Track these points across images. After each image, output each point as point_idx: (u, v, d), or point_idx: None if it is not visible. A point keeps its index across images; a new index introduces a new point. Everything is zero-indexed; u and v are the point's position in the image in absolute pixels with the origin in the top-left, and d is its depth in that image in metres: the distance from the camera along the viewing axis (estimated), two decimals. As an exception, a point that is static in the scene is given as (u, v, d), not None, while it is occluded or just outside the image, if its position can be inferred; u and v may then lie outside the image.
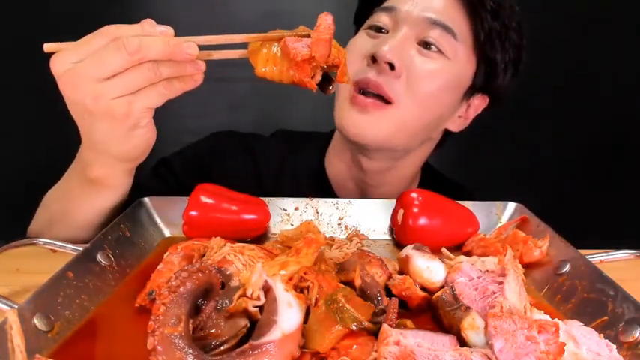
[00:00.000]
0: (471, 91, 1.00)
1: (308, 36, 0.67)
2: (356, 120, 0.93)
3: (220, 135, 1.17)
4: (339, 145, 1.09)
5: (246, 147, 1.15)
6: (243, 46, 0.69)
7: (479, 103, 1.04)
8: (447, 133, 1.08)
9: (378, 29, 0.96)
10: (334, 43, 0.68)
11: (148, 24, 0.64)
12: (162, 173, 1.08)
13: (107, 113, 0.64)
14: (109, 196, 0.79)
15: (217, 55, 0.68)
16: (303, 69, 0.67)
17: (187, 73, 0.65)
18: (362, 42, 0.96)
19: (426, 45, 0.92)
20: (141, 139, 0.70)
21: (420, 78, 0.91)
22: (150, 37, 0.62)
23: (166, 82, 0.64)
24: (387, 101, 0.91)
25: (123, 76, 0.62)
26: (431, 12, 0.91)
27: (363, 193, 1.09)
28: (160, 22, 0.67)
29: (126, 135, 0.67)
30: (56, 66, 0.63)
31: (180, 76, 0.65)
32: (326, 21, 0.67)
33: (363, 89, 0.92)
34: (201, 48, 0.64)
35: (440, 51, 0.92)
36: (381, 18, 0.95)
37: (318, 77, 0.70)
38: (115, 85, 0.62)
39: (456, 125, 1.05)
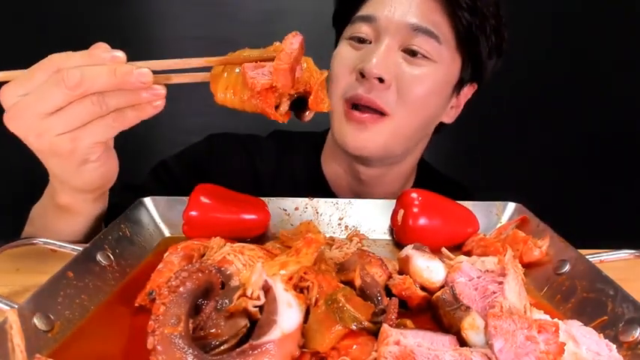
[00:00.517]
0: (460, 85, 1.02)
1: (271, 59, 0.59)
2: (356, 136, 0.95)
3: (217, 136, 1.17)
4: (334, 149, 1.10)
5: (244, 148, 1.16)
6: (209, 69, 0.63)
7: (468, 90, 1.06)
8: (440, 124, 1.10)
9: (361, 40, 0.96)
10: (308, 66, 0.63)
11: (99, 49, 0.59)
12: (160, 175, 1.09)
13: (51, 150, 0.61)
14: (78, 220, 0.77)
15: (177, 78, 0.63)
16: (267, 98, 0.60)
17: (143, 101, 0.60)
18: (347, 54, 0.97)
19: (411, 53, 0.93)
20: (94, 173, 0.67)
21: (410, 86, 0.93)
22: (94, 67, 0.57)
23: (116, 113, 0.60)
24: (381, 113, 0.93)
25: (66, 111, 0.58)
26: (411, 17, 0.91)
27: (359, 193, 1.10)
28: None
29: (76, 170, 0.65)
30: (4, 98, 0.59)
31: (135, 105, 0.60)
32: (290, 45, 0.59)
33: (356, 104, 0.94)
34: (160, 72, 0.60)
35: (425, 56, 0.93)
36: (362, 29, 0.95)
37: (285, 107, 0.64)
38: (58, 121, 0.58)
39: (449, 117, 1.07)
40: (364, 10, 0.96)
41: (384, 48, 0.91)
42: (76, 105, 0.58)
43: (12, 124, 0.60)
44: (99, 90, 0.57)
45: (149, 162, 1.13)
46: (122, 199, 0.83)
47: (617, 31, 1.84)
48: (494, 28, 0.97)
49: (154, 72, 0.59)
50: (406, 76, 0.92)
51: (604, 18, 1.84)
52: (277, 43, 0.62)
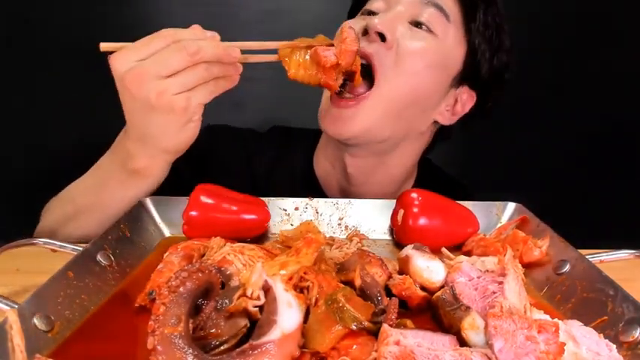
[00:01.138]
0: (459, 80, 1.01)
1: (332, 45, 0.79)
2: (334, 115, 0.94)
3: (215, 128, 1.16)
4: (324, 143, 1.10)
5: (241, 142, 1.15)
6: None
7: (466, 99, 1.04)
8: (438, 132, 1.08)
9: (372, 13, 0.97)
10: None
11: (198, 29, 0.71)
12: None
13: (168, 107, 0.69)
14: (146, 185, 0.83)
15: (253, 58, 0.76)
16: (330, 73, 0.79)
17: (229, 73, 0.73)
18: (355, 21, 0.97)
19: (417, 24, 0.94)
20: (190, 132, 0.75)
21: (409, 54, 0.92)
22: (204, 41, 0.70)
23: (214, 81, 0.72)
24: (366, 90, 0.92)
25: (182, 74, 0.68)
26: None
27: (348, 193, 1.08)
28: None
29: (179, 128, 0.73)
30: (118, 64, 0.69)
31: (224, 76, 0.73)
32: (351, 34, 0.79)
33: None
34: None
35: (430, 30, 0.94)
36: (375, 4, 0.97)
37: (340, 80, 0.82)
38: (176, 82, 0.68)
39: (444, 117, 1.04)
40: None
41: (393, 13, 0.93)
42: (190, 70, 0.69)
43: (133, 86, 0.68)
44: (208, 59, 0.69)
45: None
46: None
47: (618, 30, 1.84)
48: (502, 46, 1.00)
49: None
50: (407, 43, 0.92)
51: (604, 17, 1.84)
52: (321, 36, 0.80)
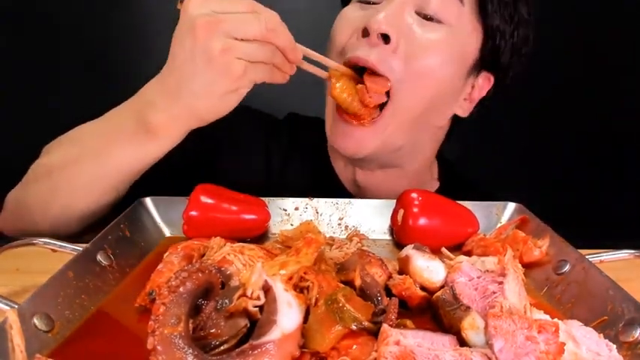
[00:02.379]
0: (477, 68, 0.92)
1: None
2: (343, 132, 0.88)
3: (236, 108, 1.12)
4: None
5: (262, 127, 1.09)
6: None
7: (483, 83, 0.96)
8: (455, 120, 0.99)
9: (371, 1, 0.87)
10: None
11: (277, 17, 0.70)
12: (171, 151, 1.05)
13: (226, 67, 0.67)
14: (155, 146, 0.77)
15: (306, 66, 0.78)
16: (368, 111, 0.83)
17: (285, 69, 0.73)
18: (353, 13, 0.88)
19: (425, 17, 0.84)
20: (229, 103, 0.72)
21: (421, 50, 0.83)
22: (284, 28, 0.69)
23: (273, 67, 0.71)
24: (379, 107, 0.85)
25: (251, 44, 0.67)
26: None
27: (365, 193, 1.04)
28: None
29: (223, 94, 0.70)
30: (195, 6, 0.66)
31: (280, 69, 0.72)
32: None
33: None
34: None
35: (441, 21, 0.84)
36: None
37: (375, 115, 0.86)
38: (244, 47, 0.66)
39: (463, 109, 0.96)
40: None
41: (397, 4, 0.82)
42: (260, 45, 0.67)
43: (203, 32, 0.65)
44: (278, 44, 0.69)
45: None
46: None
47: (618, 31, 1.84)
48: (522, 19, 0.89)
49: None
50: (417, 37, 0.82)
51: (605, 18, 1.84)
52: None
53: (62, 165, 0.81)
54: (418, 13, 0.84)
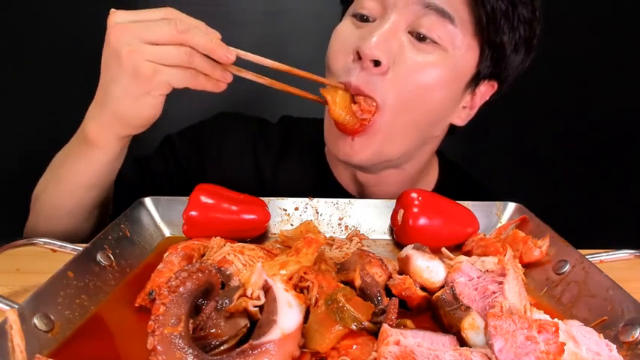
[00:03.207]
0: (476, 80, 0.90)
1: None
2: (342, 144, 0.89)
3: (226, 115, 1.12)
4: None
5: (249, 131, 1.10)
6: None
7: (486, 90, 0.94)
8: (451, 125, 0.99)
9: (364, 18, 0.86)
10: None
11: (202, 23, 0.71)
12: (165, 152, 1.07)
13: (133, 69, 0.68)
14: (95, 156, 0.80)
15: (246, 74, 0.75)
16: (363, 123, 0.85)
17: (215, 76, 0.71)
18: (347, 32, 0.88)
19: (419, 37, 0.82)
20: (146, 107, 0.73)
21: (410, 73, 0.83)
22: (199, 29, 0.69)
23: (195, 72, 0.70)
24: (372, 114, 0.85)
25: (162, 47, 0.68)
26: None
27: (360, 188, 1.04)
28: None
29: (137, 97, 0.71)
30: (113, 17, 0.70)
31: (208, 75, 0.71)
32: None
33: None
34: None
35: (435, 42, 0.82)
36: (367, 3, 0.85)
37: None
38: (152, 50, 0.68)
39: (461, 118, 0.95)
40: None
41: (389, 26, 0.81)
42: (172, 47, 0.68)
43: (114, 35, 0.69)
44: (195, 46, 0.68)
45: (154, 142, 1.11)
46: (130, 172, 0.88)
47: (618, 31, 1.84)
48: (525, 19, 0.85)
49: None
50: (408, 61, 0.82)
51: (606, 19, 1.84)
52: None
53: (42, 190, 0.89)
54: (411, 33, 0.83)
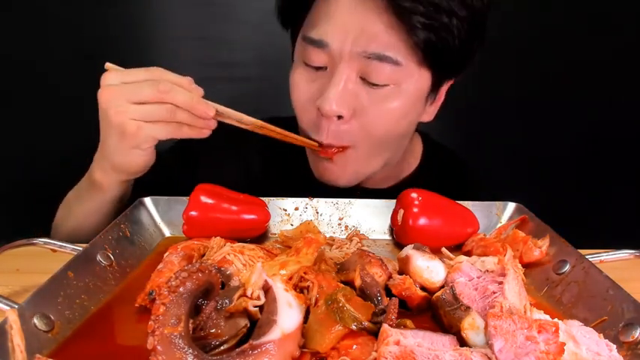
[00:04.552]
0: (435, 89, 0.93)
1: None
2: (325, 169, 0.95)
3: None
4: None
5: (233, 140, 1.09)
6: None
7: (446, 86, 0.97)
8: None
9: (315, 41, 0.87)
10: None
11: (187, 79, 0.77)
12: (156, 170, 1.08)
13: (120, 127, 0.76)
14: (100, 197, 0.88)
15: (229, 120, 0.82)
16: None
17: (197, 125, 0.78)
18: (303, 84, 0.92)
19: (370, 83, 0.86)
20: (138, 158, 0.81)
21: (373, 118, 0.87)
22: (181, 87, 0.76)
23: (177, 124, 0.77)
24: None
25: (146, 106, 0.75)
26: (364, 43, 0.82)
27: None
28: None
29: (127, 151, 0.79)
30: (104, 80, 0.77)
31: (190, 125, 0.78)
32: None
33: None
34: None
35: (386, 84, 0.86)
36: (314, 56, 0.87)
37: None
38: (137, 109, 0.75)
39: (428, 115, 0.99)
40: (314, 32, 0.86)
41: (341, 81, 0.85)
42: (156, 105, 0.75)
43: (104, 96, 0.76)
44: (176, 103, 0.75)
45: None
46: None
47: (618, 31, 1.84)
48: (466, 22, 0.84)
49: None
50: (368, 107, 0.87)
51: (605, 18, 1.84)
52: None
53: (60, 224, 0.98)
54: (363, 79, 0.86)
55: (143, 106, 0.75)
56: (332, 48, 0.85)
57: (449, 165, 1.17)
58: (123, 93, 0.75)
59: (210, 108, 0.77)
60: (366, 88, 0.86)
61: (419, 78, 0.88)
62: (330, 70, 0.88)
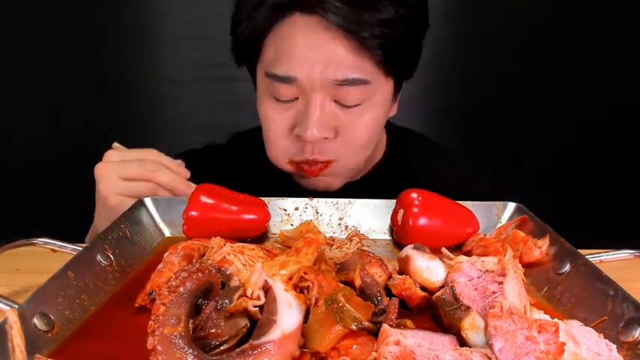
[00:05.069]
0: (398, 90, 0.99)
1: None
2: (316, 180, 0.99)
3: (185, 158, 1.07)
4: None
5: (202, 163, 1.07)
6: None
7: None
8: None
9: (282, 78, 0.88)
10: None
11: (175, 163, 0.88)
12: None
13: (105, 198, 0.86)
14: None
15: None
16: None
17: (178, 193, 0.86)
18: (276, 116, 0.93)
19: (344, 105, 0.89)
20: (115, 212, 0.85)
21: (353, 135, 0.92)
22: (167, 170, 0.86)
23: (157, 188, 0.86)
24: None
25: (132, 182, 0.85)
26: (333, 72, 0.85)
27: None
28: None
29: (105, 215, 0.87)
30: (106, 156, 0.87)
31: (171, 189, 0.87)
32: None
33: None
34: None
35: (359, 104, 0.90)
36: (283, 91, 0.89)
37: None
38: (124, 185, 0.85)
39: (393, 110, 1.04)
40: (279, 69, 0.87)
41: (317, 108, 0.87)
42: (142, 183, 0.85)
43: (99, 170, 0.86)
44: (159, 183, 0.85)
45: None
46: None
47: (618, 31, 1.84)
48: (413, 28, 0.90)
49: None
50: (347, 125, 0.91)
51: (605, 18, 1.84)
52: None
53: None
54: (337, 102, 0.89)
55: (129, 182, 0.85)
56: (301, 81, 0.87)
57: (416, 147, 1.20)
58: (115, 168, 0.85)
59: (190, 190, 0.82)
60: (342, 109, 0.90)
61: (386, 87, 0.93)
62: (303, 100, 0.90)
